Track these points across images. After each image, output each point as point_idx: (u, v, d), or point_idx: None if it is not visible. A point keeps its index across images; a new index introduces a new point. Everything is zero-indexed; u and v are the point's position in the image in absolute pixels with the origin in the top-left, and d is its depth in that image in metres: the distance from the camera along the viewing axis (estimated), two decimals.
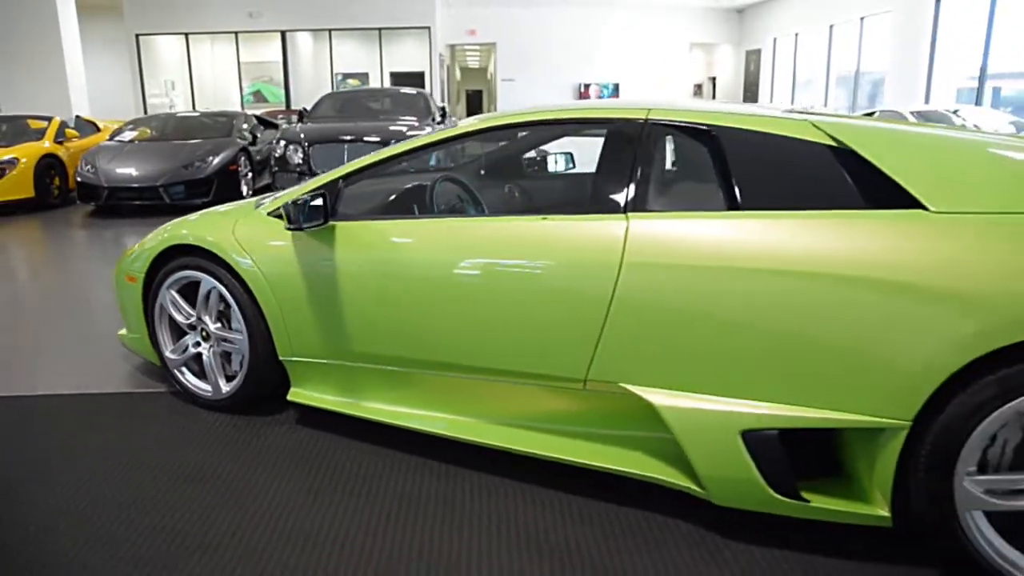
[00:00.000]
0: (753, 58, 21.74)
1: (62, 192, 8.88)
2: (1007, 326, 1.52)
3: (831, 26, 17.19)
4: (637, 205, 1.98)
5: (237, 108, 17.67)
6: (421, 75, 18.14)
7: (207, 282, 2.67)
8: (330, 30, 18.04)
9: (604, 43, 21.49)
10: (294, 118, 10.50)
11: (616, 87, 21.88)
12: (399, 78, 17.94)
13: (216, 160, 8.17)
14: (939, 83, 13.36)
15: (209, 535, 1.98)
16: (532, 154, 3.61)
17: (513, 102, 20.55)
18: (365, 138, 7.59)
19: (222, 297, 2.66)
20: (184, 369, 2.87)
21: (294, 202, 2.32)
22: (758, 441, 1.78)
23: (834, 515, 1.78)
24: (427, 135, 2.43)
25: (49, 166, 8.68)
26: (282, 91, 18.48)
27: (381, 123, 8.16)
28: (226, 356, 2.78)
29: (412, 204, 2.86)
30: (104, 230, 7.23)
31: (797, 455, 1.83)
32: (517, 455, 2.21)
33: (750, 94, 21.90)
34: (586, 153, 2.99)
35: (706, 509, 2.02)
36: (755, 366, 1.78)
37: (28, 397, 3.01)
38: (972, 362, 1.56)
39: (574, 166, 3.67)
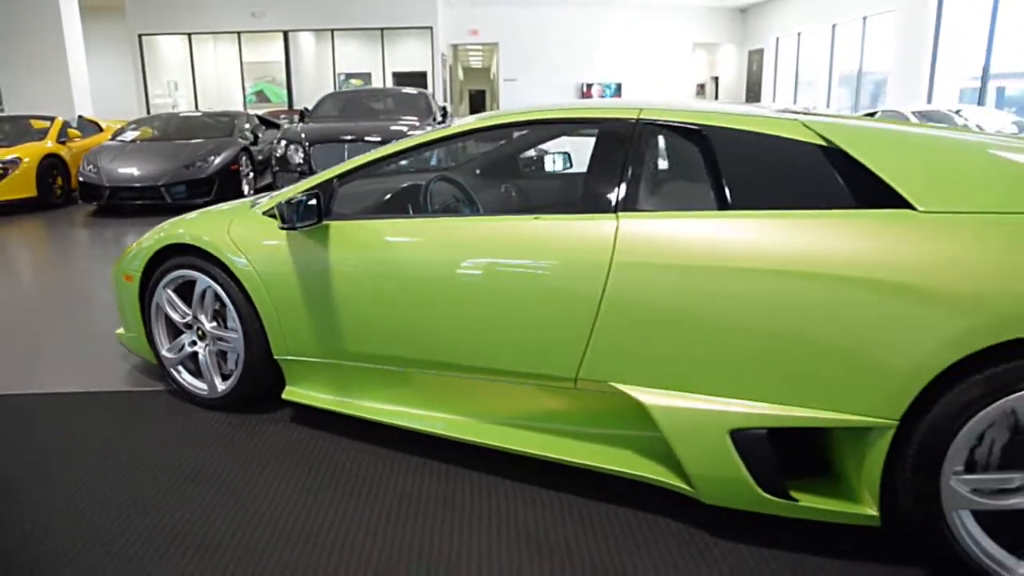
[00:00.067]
0: (756, 58, 21.72)
1: (64, 192, 8.92)
2: (993, 325, 1.52)
3: (834, 26, 17.16)
4: (627, 205, 1.99)
5: (240, 108, 17.71)
6: (423, 75, 18.17)
7: (203, 281, 2.68)
8: (332, 30, 18.07)
9: (606, 43, 21.50)
10: (296, 118, 10.53)
11: (619, 87, 21.88)
12: (401, 78, 17.97)
13: (217, 160, 8.19)
14: (942, 83, 13.34)
15: (209, 534, 1.99)
16: (531, 153, 3.62)
17: (515, 102, 20.57)
18: (366, 138, 7.61)
19: (218, 296, 2.67)
20: (181, 368, 2.89)
21: (287, 202, 2.33)
22: (747, 440, 1.79)
23: (822, 514, 1.79)
24: (421, 135, 2.44)
25: (51, 166, 8.71)
26: (284, 91, 18.52)
27: (382, 123, 8.18)
28: (222, 355, 2.79)
29: (407, 204, 2.87)
30: (105, 229, 7.26)
31: (786, 454, 1.83)
32: (515, 454, 2.22)
33: (753, 94, 21.87)
34: (584, 153, 3.00)
35: (696, 508, 2.03)
36: (744, 365, 1.79)
37: (28, 396, 3.02)
38: (959, 361, 1.56)
39: (571, 166, 3.68)
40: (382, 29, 17.99)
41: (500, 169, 3.43)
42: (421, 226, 2.29)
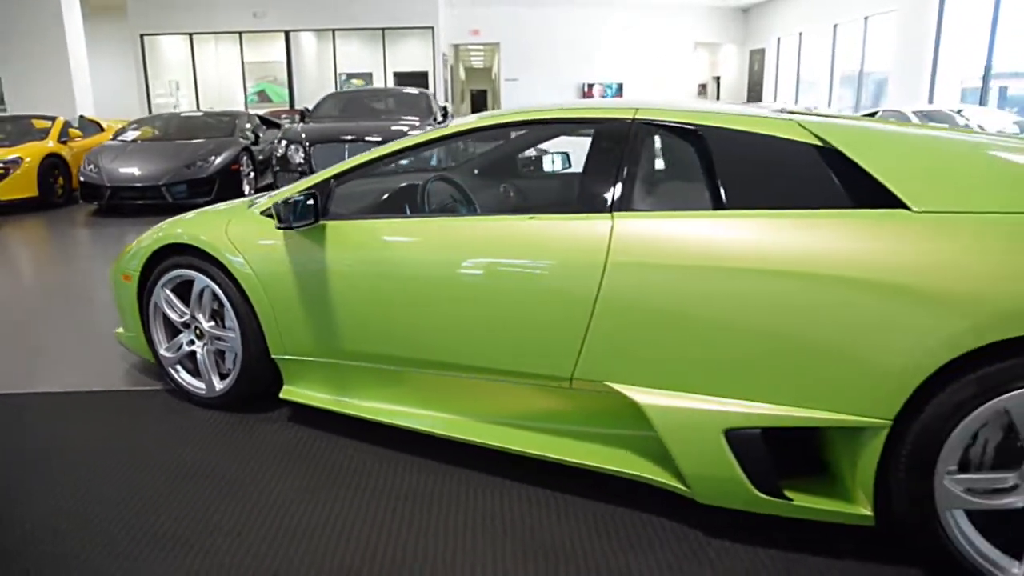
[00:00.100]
0: (757, 58, 21.70)
1: (66, 191, 8.94)
2: (986, 325, 1.52)
3: (835, 25, 17.14)
4: (623, 204, 1.99)
5: (241, 108, 17.73)
6: (425, 75, 18.17)
7: (200, 281, 2.69)
8: (334, 30, 18.08)
9: (608, 43, 21.49)
10: (297, 118, 10.54)
11: (620, 87, 21.87)
12: (403, 78, 17.97)
13: (218, 160, 8.21)
14: (944, 83, 13.31)
15: (210, 533, 1.99)
16: (532, 152, 3.62)
17: (517, 102, 20.56)
18: (366, 138, 7.61)
19: (215, 295, 2.68)
20: (179, 367, 2.90)
21: (284, 201, 2.34)
22: (741, 440, 1.79)
23: (817, 514, 1.79)
24: (418, 135, 2.45)
25: (53, 166, 8.73)
26: (286, 91, 18.53)
27: (382, 123, 8.19)
28: (220, 354, 2.80)
29: (404, 204, 2.87)
30: (106, 229, 7.27)
31: (782, 454, 1.83)
32: (512, 454, 2.22)
33: (754, 94, 21.85)
34: (583, 153, 3.00)
35: (692, 508, 2.03)
36: (738, 365, 1.79)
37: (29, 395, 3.03)
38: (952, 361, 1.56)
39: (570, 166, 3.68)
40: (383, 29, 17.99)
41: (498, 169, 3.44)
42: (417, 226, 2.30)
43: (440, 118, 8.81)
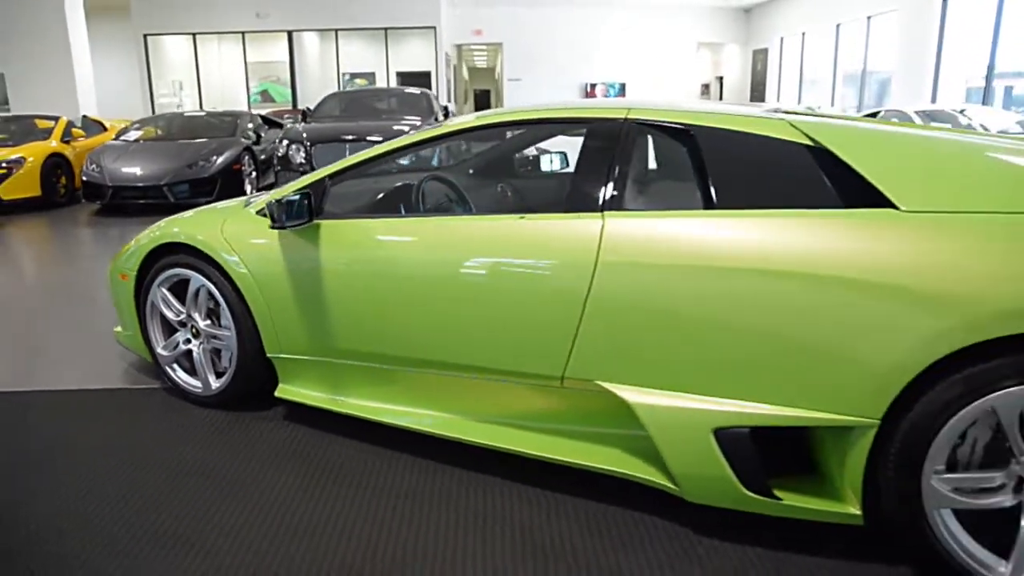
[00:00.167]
0: (760, 57, 21.67)
1: (68, 191, 8.97)
2: (974, 324, 1.52)
3: (838, 25, 17.11)
4: (613, 204, 2.00)
5: (244, 108, 17.77)
6: (427, 75, 18.19)
7: (196, 280, 2.70)
8: (336, 30, 18.11)
9: (610, 43, 21.48)
10: (299, 117, 10.56)
11: (623, 87, 21.86)
12: (406, 78, 18.00)
13: (220, 159, 8.23)
14: (947, 82, 13.27)
15: (211, 532, 1.99)
16: (532, 151, 3.63)
17: (520, 101, 20.56)
18: (368, 137, 7.63)
19: (211, 294, 2.69)
20: (175, 365, 2.91)
21: (278, 201, 2.35)
22: (730, 439, 1.80)
23: (806, 513, 1.79)
24: (411, 135, 2.46)
25: (56, 165, 8.77)
26: (289, 91, 18.57)
27: (384, 123, 8.20)
28: (216, 353, 2.81)
29: (399, 203, 2.88)
30: (108, 228, 7.30)
31: (771, 453, 1.84)
32: (505, 453, 2.23)
33: (757, 94, 21.82)
34: None
35: (682, 506, 2.04)
36: (727, 364, 1.80)
37: (31, 393, 3.05)
38: (939, 360, 1.56)
39: (568, 165, 3.68)
40: (386, 29, 18.02)
41: (494, 169, 3.45)
42: (410, 225, 2.31)
43: (441, 118, 8.82)
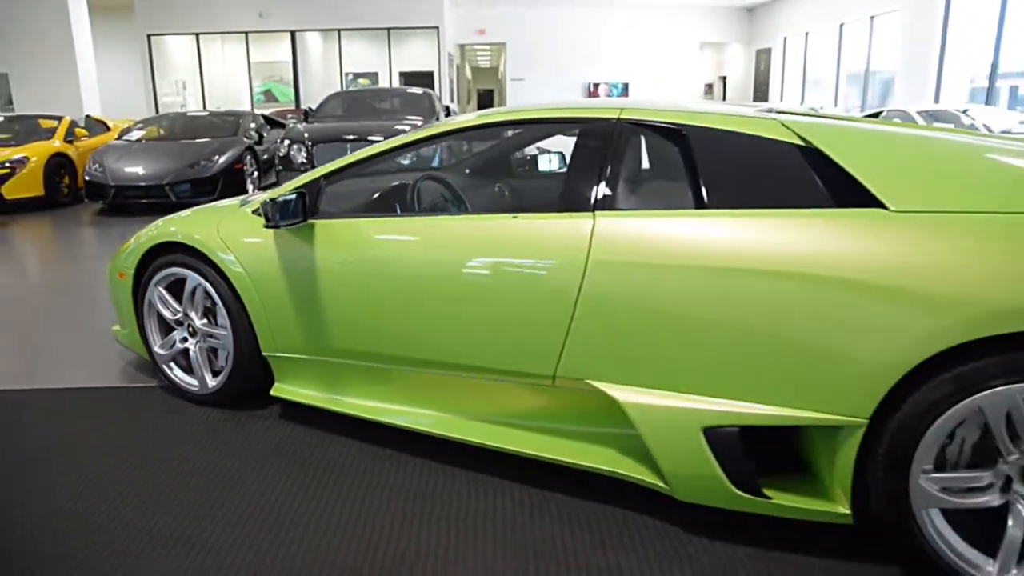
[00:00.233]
0: (763, 57, 21.63)
1: (71, 190, 9.01)
2: (961, 324, 1.53)
3: (841, 25, 17.07)
4: (605, 204, 2.00)
5: (248, 108, 17.81)
6: (431, 75, 18.20)
7: (193, 279, 2.72)
8: (339, 30, 18.14)
9: (613, 43, 21.46)
10: (302, 117, 10.59)
11: (625, 87, 21.84)
12: (409, 78, 18.02)
13: (222, 159, 8.26)
14: (951, 82, 13.23)
15: (211, 531, 2.00)
16: (532, 150, 3.63)
17: (523, 101, 20.55)
18: (369, 137, 7.64)
19: (208, 293, 2.70)
20: (172, 364, 2.92)
21: (272, 200, 2.36)
22: (720, 438, 1.80)
23: (796, 512, 1.79)
24: (404, 135, 2.47)
25: (59, 165, 8.81)
26: (292, 91, 18.60)
27: (385, 122, 8.21)
28: (212, 351, 2.83)
29: (394, 203, 2.89)
30: (111, 228, 7.33)
31: (762, 453, 1.84)
32: (498, 451, 2.24)
33: (760, 93, 21.78)
34: None
35: (673, 505, 2.04)
36: (717, 364, 1.80)
37: (31, 391, 3.07)
38: (927, 360, 1.57)
39: (565, 165, 3.69)
40: (388, 29, 18.04)
41: (491, 168, 3.45)
42: (403, 225, 2.31)
43: (443, 117, 8.84)
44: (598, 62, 21.47)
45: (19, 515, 2.10)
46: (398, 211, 2.86)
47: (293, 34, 18.20)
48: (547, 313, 2.00)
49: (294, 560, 1.87)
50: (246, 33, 18.19)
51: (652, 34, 21.49)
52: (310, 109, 9.26)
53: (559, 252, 1.98)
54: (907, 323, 1.58)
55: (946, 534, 1.63)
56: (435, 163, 5.92)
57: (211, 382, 2.80)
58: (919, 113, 9.57)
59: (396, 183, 3.03)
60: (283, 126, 10.26)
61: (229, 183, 8.24)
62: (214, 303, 2.70)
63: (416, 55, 18.34)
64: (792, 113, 2.06)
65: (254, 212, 2.64)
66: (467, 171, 3.40)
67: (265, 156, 9.16)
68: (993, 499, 1.59)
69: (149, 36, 18.12)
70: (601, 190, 2.02)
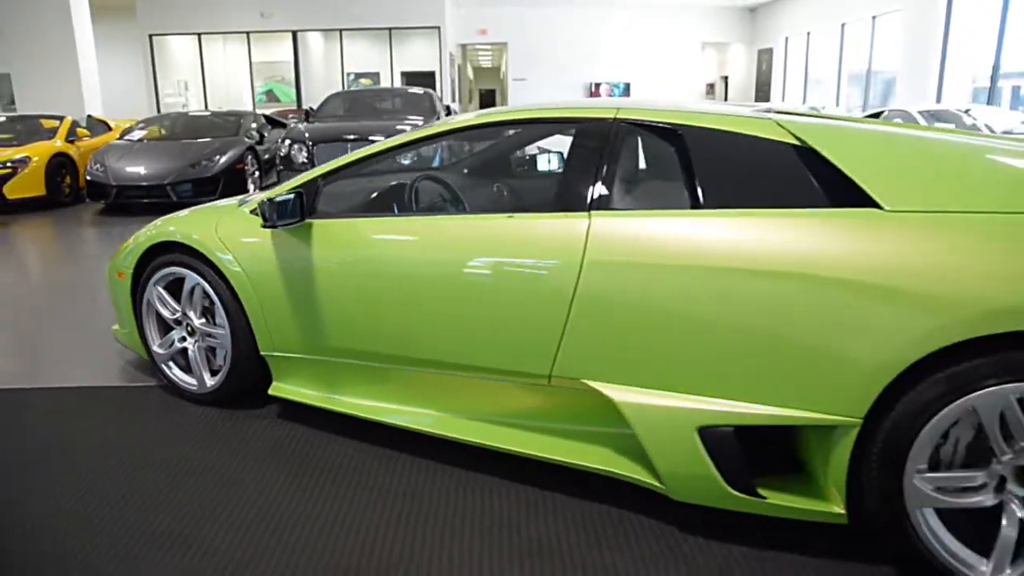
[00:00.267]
0: (765, 57, 21.61)
1: (73, 190, 9.02)
2: (955, 324, 1.53)
3: (843, 25, 17.06)
4: (600, 204, 2.01)
5: (250, 107, 17.83)
6: (432, 74, 18.21)
7: (191, 278, 2.72)
8: (341, 30, 18.15)
9: (615, 42, 21.46)
10: (303, 117, 10.60)
11: (627, 86, 21.83)
12: (410, 77, 18.03)
13: (223, 159, 8.27)
14: (953, 82, 13.21)
15: (208, 530, 2.01)
16: (533, 150, 3.63)
17: (524, 101, 20.53)
18: (370, 137, 7.65)
19: (206, 293, 2.71)
20: (171, 363, 2.93)
21: (270, 200, 2.37)
22: (715, 438, 1.80)
23: (791, 512, 1.80)
24: (402, 135, 2.47)
25: (60, 165, 8.82)
26: (294, 90, 18.62)
27: (386, 122, 8.22)
28: (211, 351, 2.83)
29: (392, 203, 2.90)
30: (112, 228, 7.34)
31: (757, 452, 1.84)
32: (495, 451, 2.24)
33: (762, 93, 21.76)
34: None
35: (669, 505, 2.05)
36: (712, 363, 1.80)
37: (31, 390, 3.08)
38: (921, 360, 1.57)
39: None
40: (390, 29, 18.05)
41: (489, 168, 3.46)
42: (400, 224, 2.32)
43: (444, 117, 8.84)
44: (600, 62, 21.46)
45: (19, 515, 2.10)
46: (395, 211, 2.86)
47: (295, 34, 18.22)
48: (543, 313, 2.01)
49: (292, 558, 1.88)
50: (248, 33, 18.22)
51: (653, 34, 21.49)
52: (311, 109, 9.26)
53: (555, 252, 1.99)
54: (901, 323, 1.58)
55: (940, 534, 1.63)
56: (435, 163, 5.93)
57: (209, 381, 2.80)
58: (920, 113, 9.55)
59: (394, 183, 3.04)
60: (284, 126, 10.27)
61: (230, 183, 8.25)
62: (212, 302, 2.71)
63: (418, 55, 18.35)
64: (789, 113, 2.07)
65: (252, 212, 2.65)
66: (465, 171, 3.40)
67: (266, 156, 9.17)
68: (987, 499, 1.59)
69: (151, 36, 18.16)
70: (597, 190, 2.02)
